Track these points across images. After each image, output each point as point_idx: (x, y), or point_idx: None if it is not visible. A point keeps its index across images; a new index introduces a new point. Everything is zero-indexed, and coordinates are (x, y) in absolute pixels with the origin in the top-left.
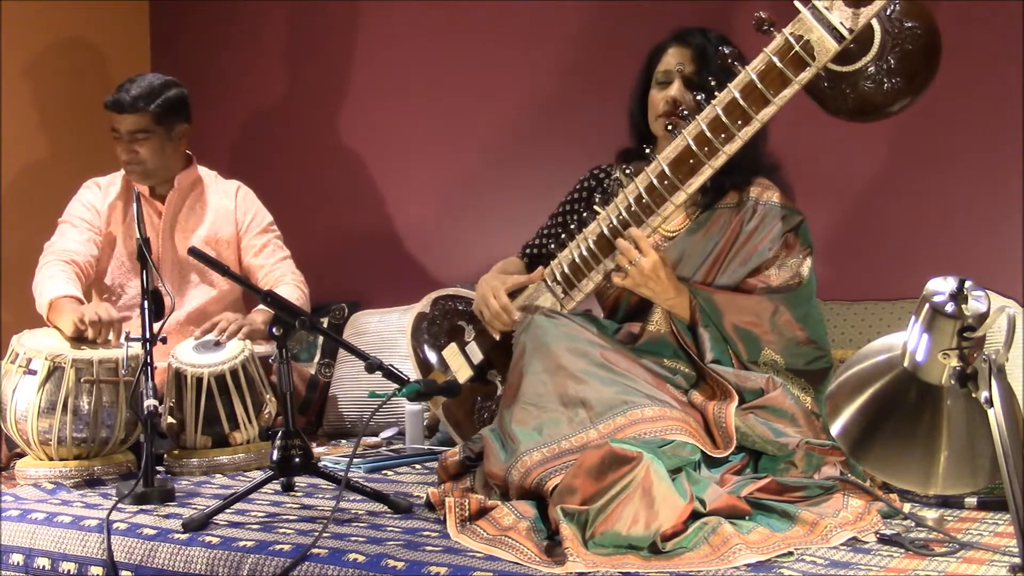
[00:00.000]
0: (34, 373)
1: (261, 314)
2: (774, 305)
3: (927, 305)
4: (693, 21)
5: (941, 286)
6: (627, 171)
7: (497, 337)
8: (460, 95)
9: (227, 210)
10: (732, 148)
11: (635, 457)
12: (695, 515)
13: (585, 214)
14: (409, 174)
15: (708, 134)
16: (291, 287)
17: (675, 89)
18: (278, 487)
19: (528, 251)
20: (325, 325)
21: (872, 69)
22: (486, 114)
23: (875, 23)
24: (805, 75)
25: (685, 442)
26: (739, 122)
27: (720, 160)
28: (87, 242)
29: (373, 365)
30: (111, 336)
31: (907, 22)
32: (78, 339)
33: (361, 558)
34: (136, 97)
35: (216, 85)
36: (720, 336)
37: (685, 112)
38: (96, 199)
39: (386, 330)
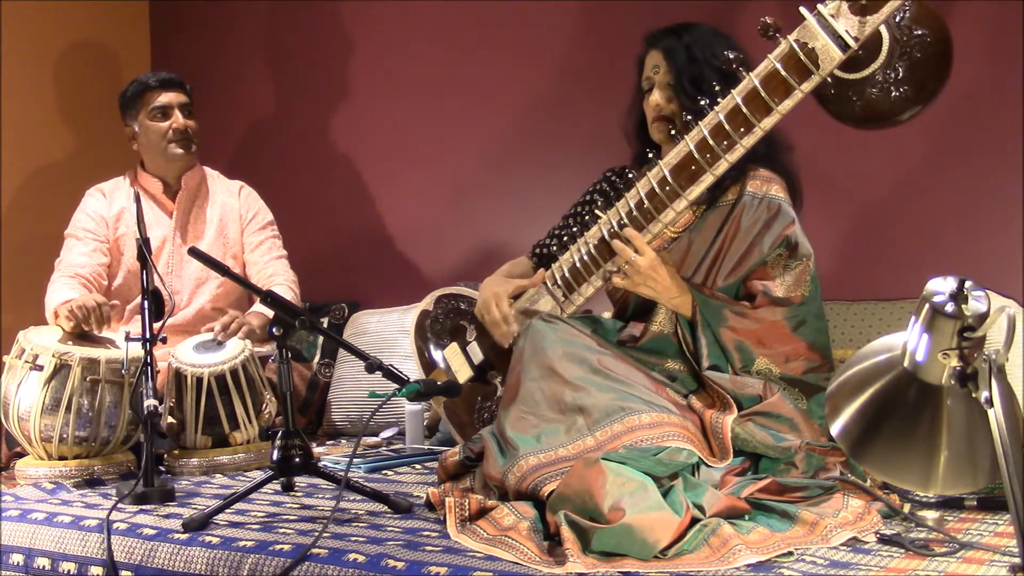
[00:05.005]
0: (40, 369)
1: (255, 317)
2: (773, 315)
3: (927, 305)
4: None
5: (941, 286)
6: (630, 175)
7: (506, 345)
8: (461, 96)
9: (232, 208)
10: (734, 156)
11: (615, 520)
12: (694, 519)
13: (587, 217)
14: (409, 175)
15: (710, 141)
16: (283, 287)
17: (655, 95)
18: (278, 487)
19: (537, 251)
20: (325, 325)
21: (879, 77)
22: (486, 115)
23: (883, 30)
24: (808, 84)
25: (682, 448)
26: (741, 129)
27: (722, 168)
28: (93, 252)
29: (373, 365)
30: (102, 320)
31: (917, 29)
32: (81, 336)
33: (361, 558)
34: (175, 77)
35: (216, 85)
36: (716, 341)
37: (688, 118)
38: (101, 207)
39: (386, 330)
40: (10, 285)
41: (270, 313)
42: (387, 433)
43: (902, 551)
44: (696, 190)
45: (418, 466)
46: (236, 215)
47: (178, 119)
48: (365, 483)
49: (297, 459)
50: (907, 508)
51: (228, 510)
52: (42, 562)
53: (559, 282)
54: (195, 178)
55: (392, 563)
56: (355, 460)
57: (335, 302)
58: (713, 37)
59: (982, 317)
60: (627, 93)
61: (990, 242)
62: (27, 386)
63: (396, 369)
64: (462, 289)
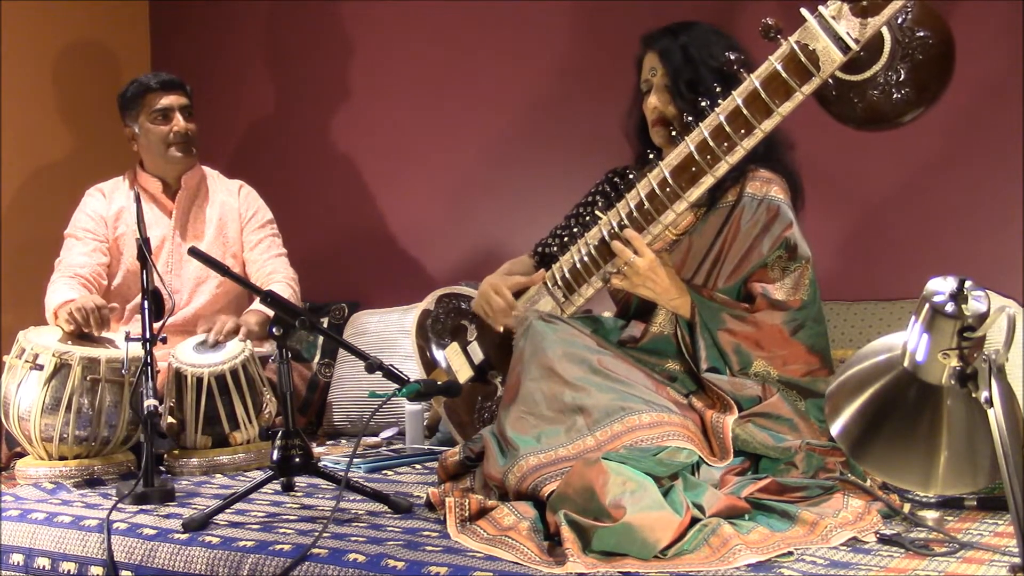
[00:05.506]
0: (40, 368)
1: (254, 315)
2: (772, 319)
3: (927, 305)
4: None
5: (941, 286)
6: (631, 176)
7: (501, 329)
8: (461, 96)
9: (232, 207)
10: (734, 158)
11: (616, 517)
12: (694, 519)
13: (588, 218)
14: (409, 174)
15: (711, 142)
16: (282, 284)
17: (652, 97)
18: (278, 487)
19: (539, 250)
20: (325, 325)
21: (881, 79)
22: (486, 115)
23: (885, 31)
24: (809, 86)
25: (682, 447)
26: (742, 131)
27: (722, 170)
28: (93, 252)
29: (373, 365)
30: (101, 322)
31: (919, 31)
32: (81, 336)
33: (361, 558)
34: (176, 78)
35: (216, 85)
36: (714, 343)
37: (688, 119)
38: (100, 206)
39: (386, 330)
40: (10, 285)
41: (269, 311)
42: (387, 433)
43: (902, 551)
44: (696, 192)
45: (418, 466)
46: (235, 214)
47: (179, 122)
48: (365, 483)
49: (297, 459)
50: (907, 508)
51: (228, 510)
52: (42, 562)
53: (559, 283)
54: (195, 178)
55: (392, 563)
56: (355, 460)
57: (335, 302)
58: (711, 36)
59: (982, 317)
60: (627, 93)
61: (990, 242)
62: (27, 386)
63: (396, 369)
64: (463, 289)
